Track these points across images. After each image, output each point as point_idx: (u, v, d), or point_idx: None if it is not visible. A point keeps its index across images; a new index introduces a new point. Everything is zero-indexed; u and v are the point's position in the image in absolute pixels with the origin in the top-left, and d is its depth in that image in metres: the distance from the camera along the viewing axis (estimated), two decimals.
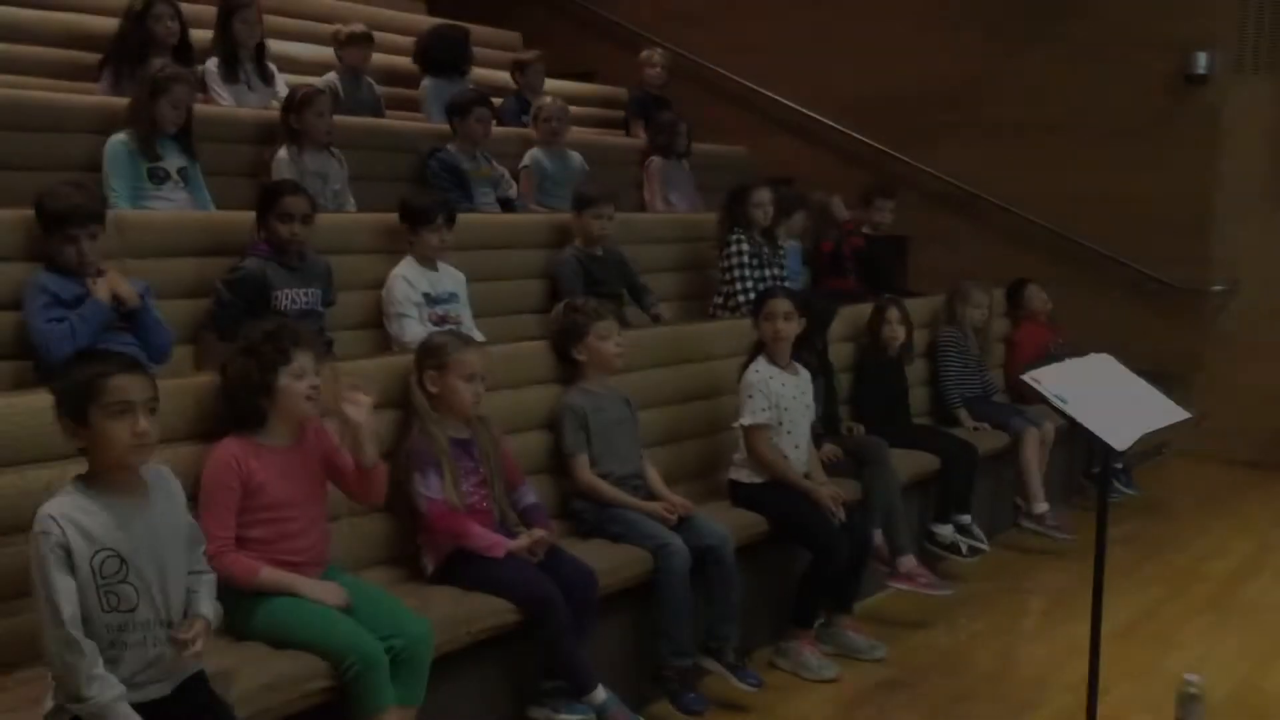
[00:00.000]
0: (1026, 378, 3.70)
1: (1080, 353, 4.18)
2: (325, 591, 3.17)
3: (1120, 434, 3.56)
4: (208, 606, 2.80)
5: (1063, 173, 8.13)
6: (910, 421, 6.03)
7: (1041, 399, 3.75)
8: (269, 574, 3.14)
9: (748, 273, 6.11)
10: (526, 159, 6.76)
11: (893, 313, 5.88)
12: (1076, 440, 6.92)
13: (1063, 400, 3.56)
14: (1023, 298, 7.22)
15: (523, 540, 3.70)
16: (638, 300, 5.93)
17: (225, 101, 6.14)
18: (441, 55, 7.35)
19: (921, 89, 8.66)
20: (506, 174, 6.59)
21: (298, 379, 3.26)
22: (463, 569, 3.64)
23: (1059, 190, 8.16)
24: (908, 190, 8.13)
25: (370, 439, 3.35)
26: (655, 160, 7.49)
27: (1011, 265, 7.82)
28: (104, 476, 2.66)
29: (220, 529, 3.10)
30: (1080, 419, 3.53)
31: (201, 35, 6.47)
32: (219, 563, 2.97)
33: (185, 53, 5.92)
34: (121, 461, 2.64)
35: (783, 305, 4.67)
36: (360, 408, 3.33)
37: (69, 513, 2.57)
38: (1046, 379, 3.63)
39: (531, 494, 3.98)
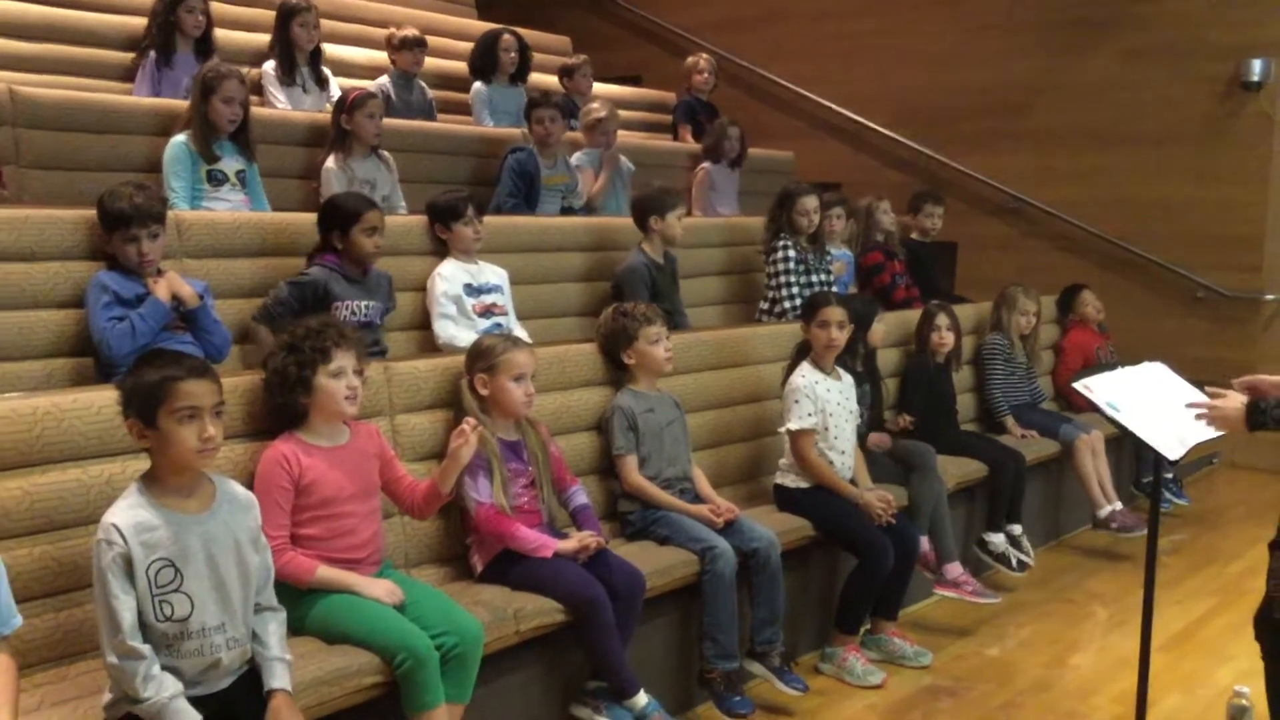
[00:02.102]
0: (1078, 386, 3.68)
1: (1130, 360, 4.15)
2: (380, 589, 3.21)
3: (1172, 444, 3.53)
4: (282, 674, 2.79)
5: (1114, 179, 8.07)
6: (958, 428, 6.00)
7: (1091, 406, 3.72)
8: (325, 572, 3.19)
9: (794, 279, 6.10)
10: (576, 159, 6.79)
11: (941, 319, 5.86)
12: (1125, 448, 6.89)
13: (1115, 409, 3.53)
14: (1076, 303, 7.17)
15: (571, 543, 3.73)
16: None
17: (281, 104, 6.23)
18: (479, 59, 7.42)
19: (971, 95, 8.63)
20: (580, 184, 6.58)
21: (336, 378, 3.29)
22: (511, 569, 3.67)
23: (1110, 197, 8.10)
24: (956, 196, 8.10)
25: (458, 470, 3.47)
26: (705, 166, 7.52)
27: (1061, 272, 7.78)
28: (167, 479, 2.70)
29: (275, 528, 3.13)
30: (1132, 428, 3.50)
31: (258, 39, 6.59)
32: (276, 561, 3.01)
33: (205, 45, 6.03)
34: (187, 465, 2.69)
35: (837, 314, 4.68)
36: (470, 447, 3.43)
37: (130, 521, 2.61)
38: (1098, 387, 3.60)
39: (582, 495, 4.01)
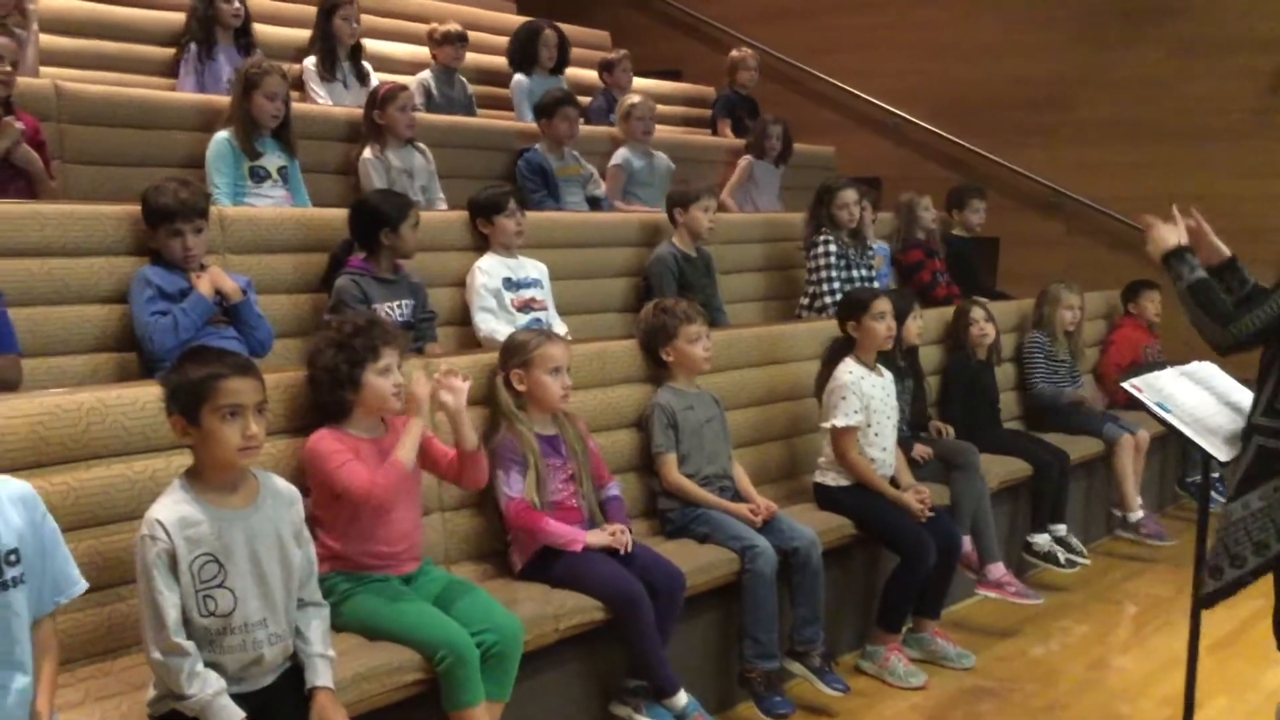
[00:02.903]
0: (1127, 386, 3.62)
1: (1176, 359, 4.08)
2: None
3: (1222, 446, 3.47)
4: (325, 671, 2.79)
5: (1159, 174, 7.94)
6: (1000, 426, 5.94)
7: (1135, 403, 3.66)
8: (397, 451, 3.20)
9: (835, 274, 6.05)
10: (616, 157, 6.78)
11: (977, 312, 5.81)
12: (1170, 446, 6.80)
13: (1165, 409, 3.47)
14: (1140, 298, 7.07)
15: (603, 536, 3.71)
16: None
17: (322, 100, 6.25)
18: (518, 51, 7.42)
19: (1013, 88, 8.53)
20: (595, 173, 6.62)
21: (384, 375, 3.29)
22: (550, 566, 3.66)
23: (1155, 191, 7.90)
24: (997, 191, 8.01)
25: (468, 423, 3.38)
26: (747, 158, 7.49)
27: (1105, 268, 7.69)
28: (210, 475, 2.71)
29: (357, 477, 3.13)
30: (1183, 430, 3.44)
31: (299, 34, 6.61)
32: (373, 490, 3.09)
33: (245, 38, 6.06)
34: (230, 463, 2.69)
35: (888, 305, 4.66)
36: (458, 394, 3.37)
37: (174, 516, 2.62)
38: (1147, 388, 3.54)
39: (615, 488, 3.99)
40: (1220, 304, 3.22)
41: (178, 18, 6.18)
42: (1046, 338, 6.36)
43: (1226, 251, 3.48)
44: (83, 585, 2.53)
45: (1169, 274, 3.34)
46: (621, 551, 3.69)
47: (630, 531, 3.80)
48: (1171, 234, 3.36)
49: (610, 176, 6.73)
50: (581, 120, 6.79)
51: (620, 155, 6.79)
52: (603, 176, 6.71)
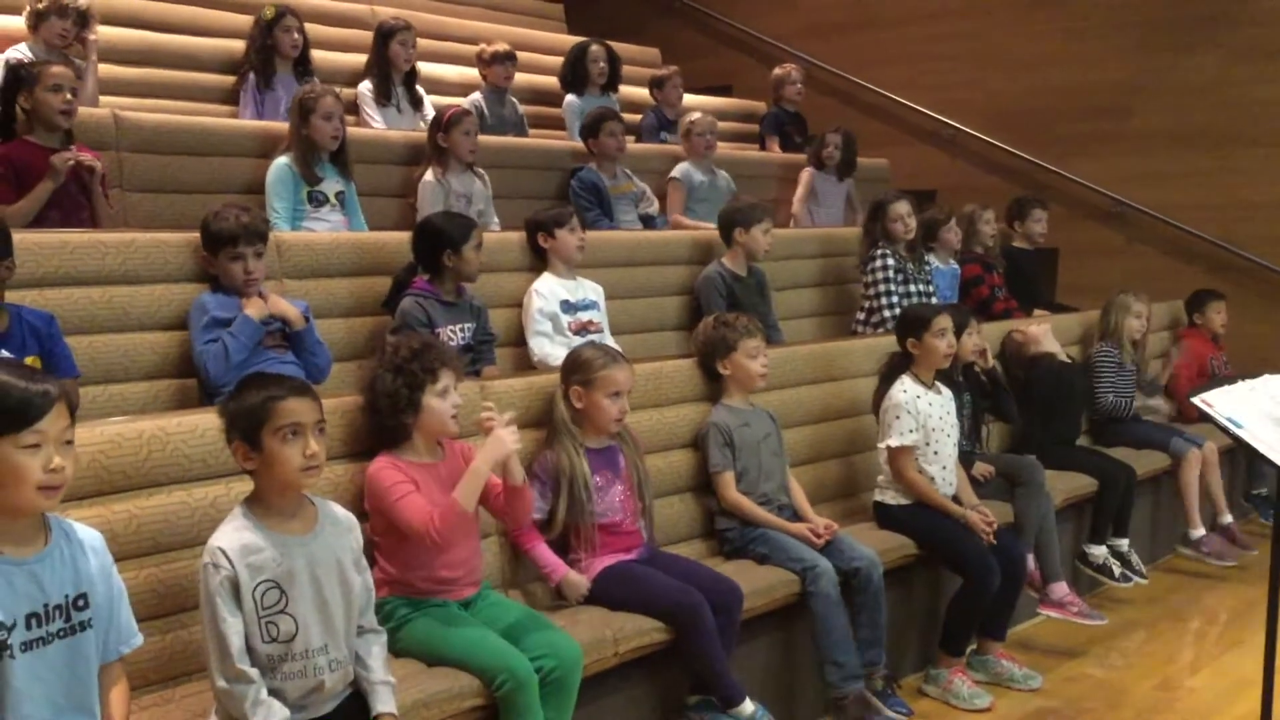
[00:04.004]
0: (1197, 401, 3.53)
1: (1243, 372, 3.99)
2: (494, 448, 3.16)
3: None
4: (388, 697, 2.79)
5: (1224, 182, 7.80)
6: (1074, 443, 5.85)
7: (1204, 417, 3.58)
8: (458, 492, 3.14)
9: (893, 288, 5.99)
10: (676, 172, 6.78)
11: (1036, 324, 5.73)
12: (1237, 460, 6.66)
13: (1237, 425, 3.39)
14: (1206, 309, 6.93)
15: (578, 578, 3.64)
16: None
17: (377, 124, 6.30)
18: (569, 71, 7.45)
19: (1069, 98, 8.41)
20: (648, 190, 6.61)
21: (442, 397, 3.29)
22: (608, 587, 3.64)
23: (1219, 200, 7.83)
24: (1055, 202, 7.89)
25: (518, 460, 3.33)
26: (808, 172, 7.49)
27: (1168, 278, 7.55)
28: (271, 501, 2.72)
29: (417, 512, 3.11)
30: (1256, 445, 3.35)
31: (355, 60, 6.68)
32: (430, 529, 3.06)
33: (303, 66, 6.13)
34: (293, 483, 2.70)
35: (949, 321, 4.60)
36: (511, 434, 3.25)
37: (237, 543, 2.63)
38: (1218, 403, 3.46)
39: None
40: None
41: (236, 45, 6.27)
42: (1116, 349, 6.23)
43: None
44: (140, 639, 2.55)
45: None
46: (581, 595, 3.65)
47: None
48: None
49: (671, 190, 6.72)
50: (632, 138, 6.79)
51: (681, 170, 6.79)
52: (656, 194, 6.70)
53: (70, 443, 2.31)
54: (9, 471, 2.22)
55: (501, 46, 7.10)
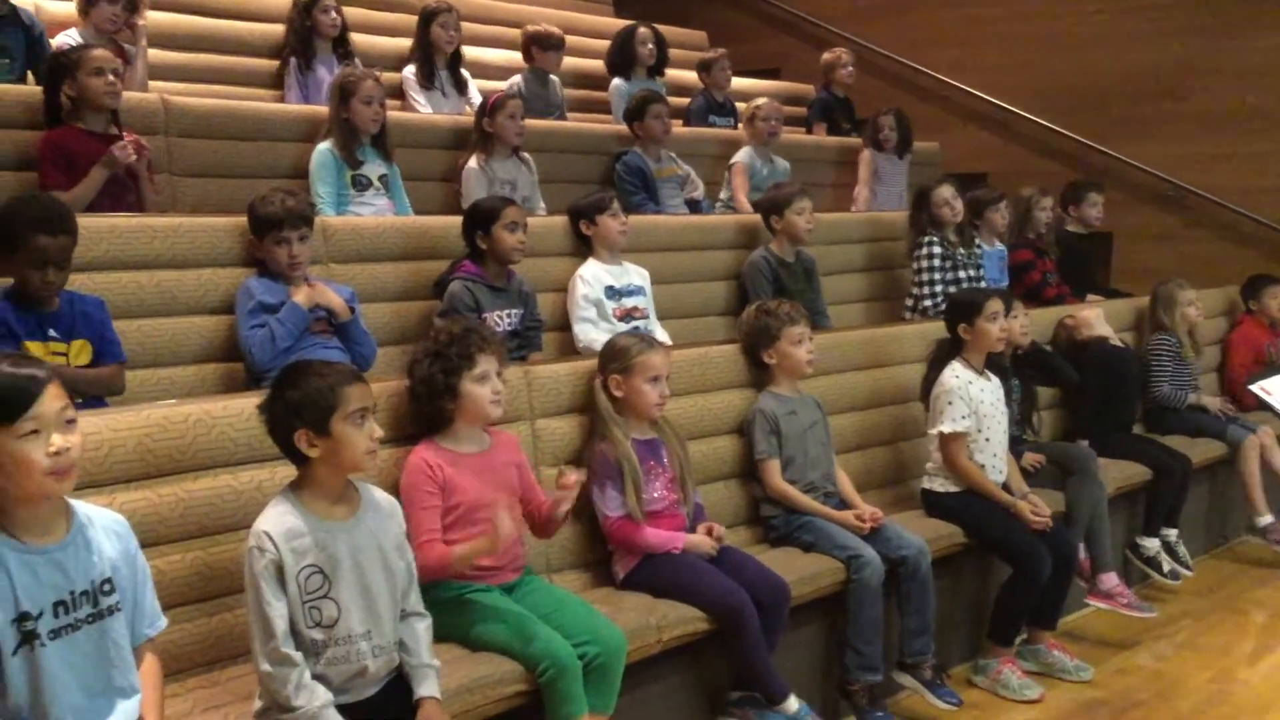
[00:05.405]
0: (1254, 389, 3.45)
1: None
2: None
3: None
4: (432, 680, 2.79)
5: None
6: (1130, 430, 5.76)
7: (1262, 405, 3.50)
8: (459, 550, 3.07)
9: (936, 276, 5.91)
10: (739, 156, 6.73)
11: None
12: None
13: None
14: (1262, 295, 6.77)
15: (703, 539, 3.66)
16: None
17: (422, 108, 6.29)
18: (617, 54, 7.41)
19: (1123, 78, 8.25)
20: (693, 174, 6.56)
21: (481, 383, 3.27)
22: (654, 576, 3.61)
23: (1275, 183, 7.65)
24: (1109, 185, 7.75)
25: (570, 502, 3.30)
26: (867, 153, 7.45)
27: (1226, 264, 7.40)
28: (324, 486, 2.72)
29: (427, 533, 3.11)
30: None
31: (398, 44, 6.68)
32: (420, 555, 2.97)
33: (343, 47, 6.13)
34: (358, 466, 2.73)
35: (1001, 305, 4.53)
36: (570, 498, 3.24)
37: (281, 528, 2.63)
38: (1276, 390, 3.37)
39: (697, 495, 3.93)
40: None
41: (278, 30, 6.28)
42: (1174, 339, 6.08)
43: None
44: (164, 622, 2.55)
45: None
46: (715, 545, 3.66)
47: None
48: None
49: (735, 174, 6.68)
50: (679, 122, 6.73)
51: (744, 154, 6.75)
52: (705, 178, 6.65)
53: (72, 421, 2.28)
54: (13, 461, 2.20)
55: (544, 29, 7.05)
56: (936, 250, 5.94)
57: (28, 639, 2.23)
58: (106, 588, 2.37)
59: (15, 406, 2.19)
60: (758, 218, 5.84)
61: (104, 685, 2.36)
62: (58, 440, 2.23)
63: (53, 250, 3.38)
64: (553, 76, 7.10)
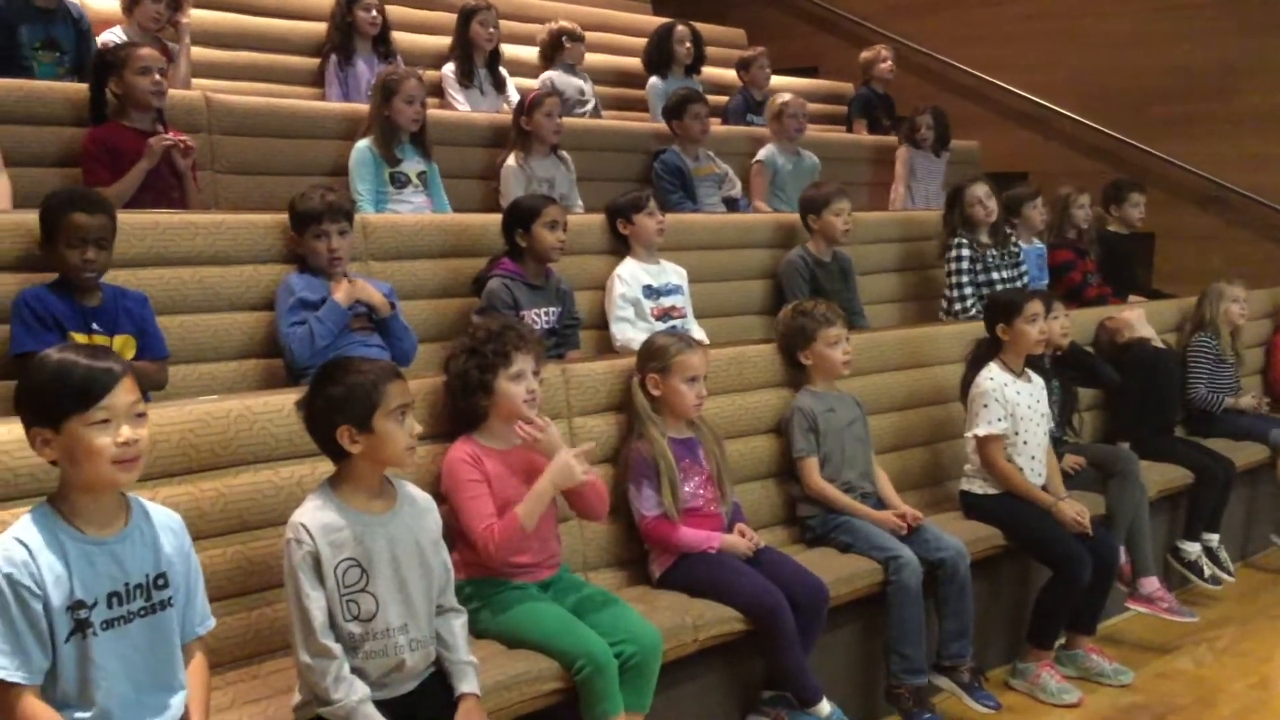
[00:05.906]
0: None
1: None
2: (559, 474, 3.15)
3: None
4: (471, 677, 2.81)
5: None
6: (1172, 432, 5.70)
7: None
8: (520, 509, 3.12)
9: (966, 279, 5.84)
10: (760, 155, 6.71)
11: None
12: None
13: None
14: None
15: (741, 541, 3.66)
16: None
17: (461, 106, 6.31)
18: (654, 52, 7.40)
19: (1166, 77, 8.16)
20: (730, 172, 6.55)
21: (516, 381, 3.28)
22: (690, 575, 3.61)
23: None
24: (1151, 185, 7.67)
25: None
26: (904, 150, 7.43)
27: (1267, 264, 7.32)
28: (357, 482, 2.74)
29: (483, 518, 3.12)
30: None
31: (438, 42, 6.70)
32: (486, 539, 3.07)
33: (384, 45, 6.16)
34: (399, 462, 2.75)
35: (1041, 307, 4.49)
36: (581, 464, 3.21)
37: (318, 521, 2.65)
38: None
39: (734, 495, 3.92)
40: None
41: (320, 28, 6.33)
42: (1214, 341, 6.02)
43: None
44: (213, 622, 2.58)
45: None
46: (751, 546, 3.66)
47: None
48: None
49: (754, 174, 6.65)
50: (717, 120, 6.71)
51: (765, 153, 6.71)
52: (741, 176, 6.63)
53: (142, 415, 2.33)
54: (82, 449, 2.25)
55: (567, 25, 7.06)
56: (965, 253, 5.87)
57: (80, 627, 2.27)
58: (160, 582, 2.40)
59: (89, 396, 2.25)
60: (794, 216, 5.82)
61: (152, 679, 2.39)
62: (127, 431, 2.28)
63: (90, 228, 3.44)
64: (581, 70, 7.11)
